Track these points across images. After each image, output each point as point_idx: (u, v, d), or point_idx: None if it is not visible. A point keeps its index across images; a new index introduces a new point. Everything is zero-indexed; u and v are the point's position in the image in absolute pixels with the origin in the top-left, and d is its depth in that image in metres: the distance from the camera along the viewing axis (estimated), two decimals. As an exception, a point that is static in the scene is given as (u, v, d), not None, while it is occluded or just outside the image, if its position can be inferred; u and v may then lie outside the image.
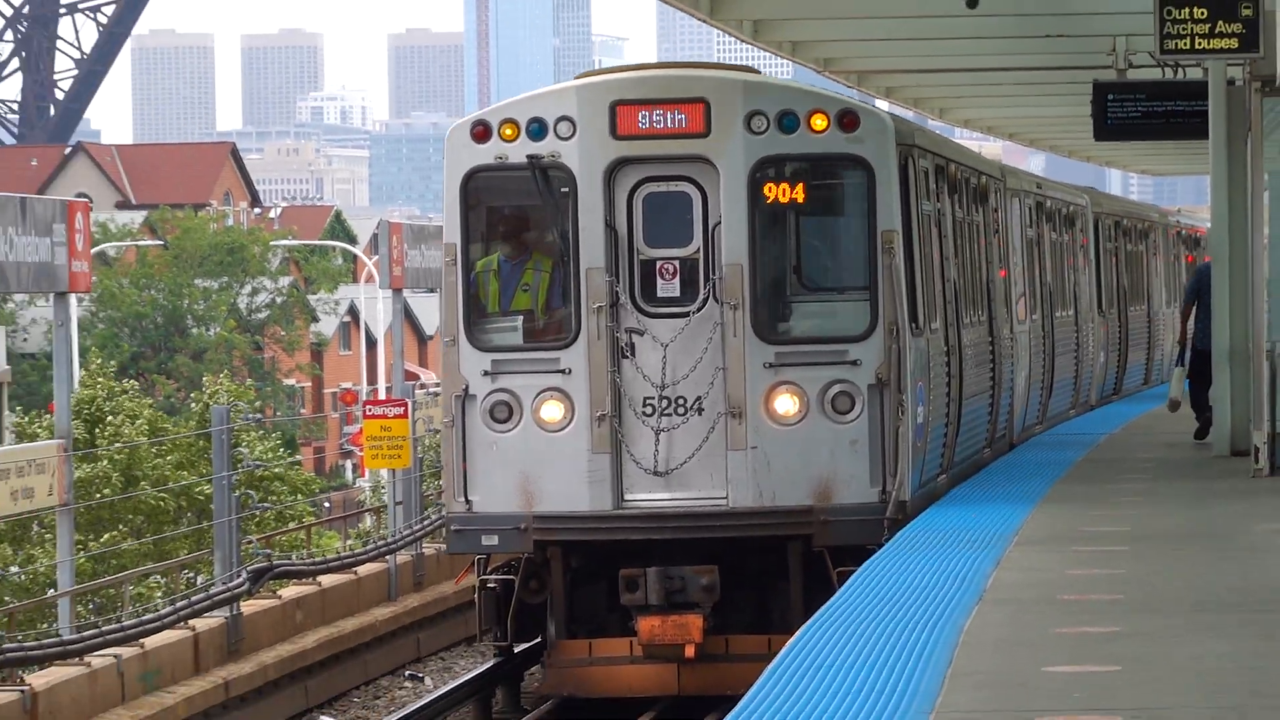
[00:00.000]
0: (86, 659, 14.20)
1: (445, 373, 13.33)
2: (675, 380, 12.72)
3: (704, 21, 20.43)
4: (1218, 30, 15.07)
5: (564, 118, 12.82)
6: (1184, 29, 15.09)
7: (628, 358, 12.79)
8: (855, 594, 9.35)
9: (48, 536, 26.11)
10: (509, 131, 12.89)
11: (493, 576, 13.28)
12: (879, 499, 12.73)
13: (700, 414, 12.78)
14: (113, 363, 54.84)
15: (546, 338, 13.25)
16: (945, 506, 13.73)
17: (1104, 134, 20.11)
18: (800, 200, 13.15)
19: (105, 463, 30.46)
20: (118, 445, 30.37)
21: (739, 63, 12.18)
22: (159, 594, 24.84)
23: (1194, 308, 17.78)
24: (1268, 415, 14.86)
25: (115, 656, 14.46)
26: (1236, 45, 15.11)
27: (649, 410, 12.78)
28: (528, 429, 12.85)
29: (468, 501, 12.88)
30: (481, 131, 12.99)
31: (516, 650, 14.17)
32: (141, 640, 14.94)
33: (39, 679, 13.71)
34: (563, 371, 12.78)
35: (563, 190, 12.92)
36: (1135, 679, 6.60)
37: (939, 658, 7.05)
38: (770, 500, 12.71)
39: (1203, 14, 15.14)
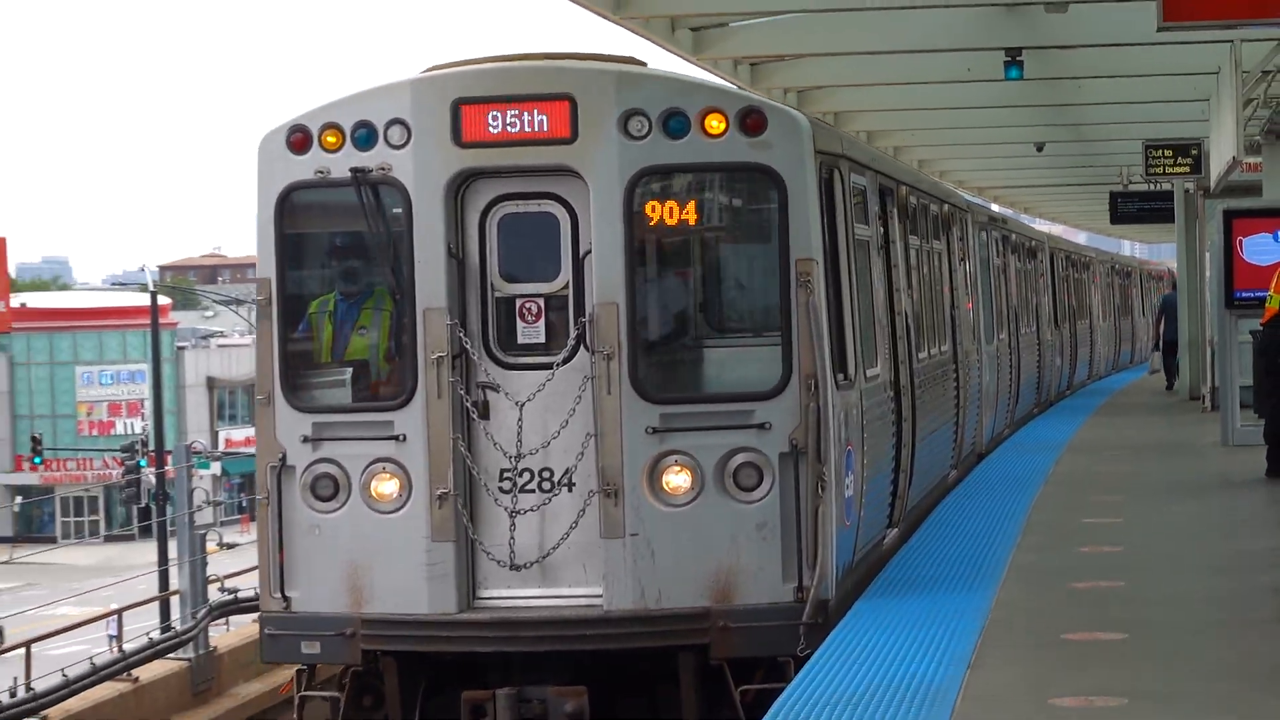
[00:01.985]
0: None
1: (259, 438, 10.59)
2: (535, 449, 10.11)
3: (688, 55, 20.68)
4: (1178, 163, 27.89)
5: (396, 121, 10.21)
6: (1159, 163, 27.98)
7: (479, 420, 10.15)
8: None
9: None
10: (332, 139, 10.32)
11: (317, 693, 10.73)
12: (794, 598, 9.96)
13: (570, 490, 10.16)
14: None
15: (380, 395, 10.68)
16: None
17: (1116, 220, 34.07)
18: (692, 222, 10.44)
19: None
20: None
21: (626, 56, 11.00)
22: None
23: (1162, 318, 31.38)
24: (1208, 378, 26.43)
25: None
26: (1188, 171, 27.96)
27: (505, 486, 10.15)
28: (356, 509, 10.25)
29: (285, 599, 10.30)
30: (300, 139, 10.40)
31: None
32: None
33: None
34: (396, 438, 10.13)
35: (394, 211, 10.36)
36: (1132, 527, 13.35)
37: None
38: (655, 601, 9.97)
39: (1169, 154, 27.97)
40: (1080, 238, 57.95)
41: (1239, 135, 19.53)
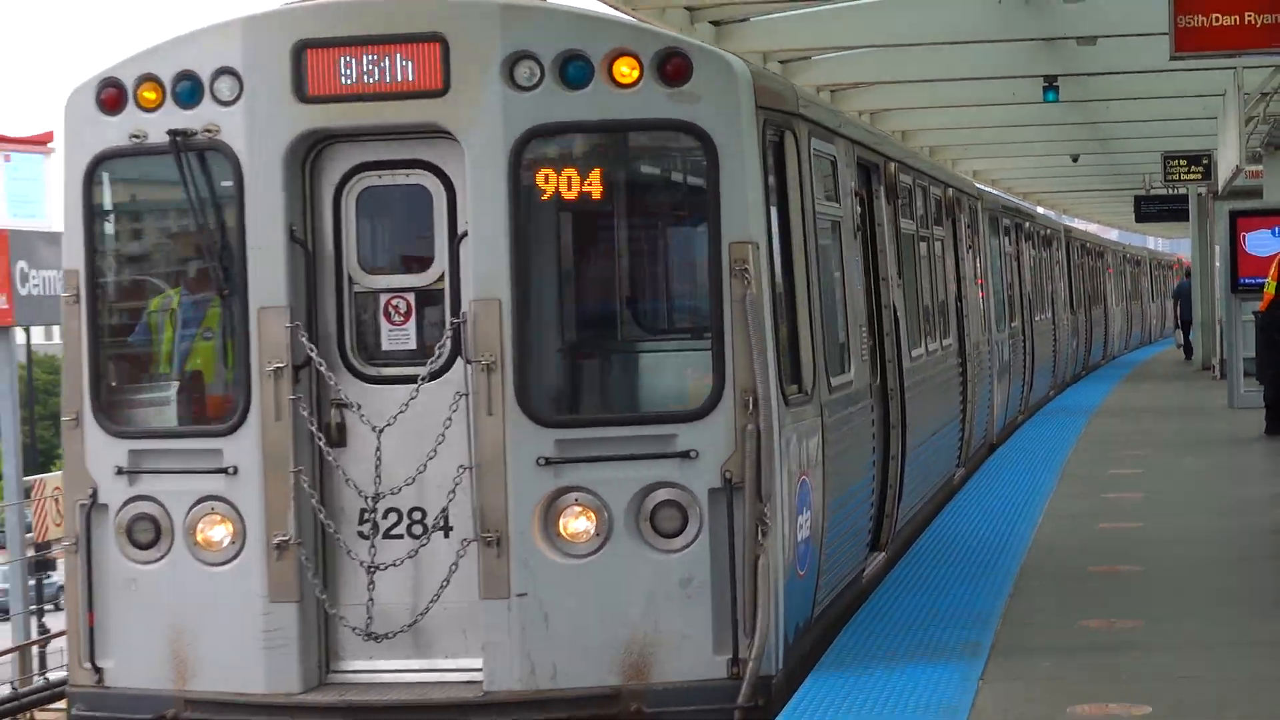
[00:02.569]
0: None
1: (66, 469, 8.35)
2: (400, 485, 7.80)
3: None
4: (1191, 171, 31.87)
5: (225, 70, 7.90)
6: (1175, 171, 31.99)
7: (331, 448, 7.88)
8: None
9: None
10: (150, 94, 8.03)
11: None
12: (728, 673, 7.64)
13: (446, 537, 7.85)
14: None
15: (208, 417, 8.39)
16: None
17: (1140, 220, 38.50)
18: (596, 196, 8.04)
19: None
20: None
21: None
22: None
23: (1179, 300, 36.55)
24: (1217, 351, 29.68)
25: None
26: (1200, 177, 32.02)
27: (363, 532, 7.87)
28: (180, 559, 7.96)
29: (96, 670, 8.03)
30: (112, 96, 8.09)
31: None
32: None
33: None
34: (225, 470, 7.86)
35: (224, 184, 8.03)
36: (1152, 475, 15.27)
37: None
38: (549, 679, 7.68)
39: (1184, 164, 31.95)
40: (1112, 234, 62.54)
41: (1242, 147, 23.09)
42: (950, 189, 16.04)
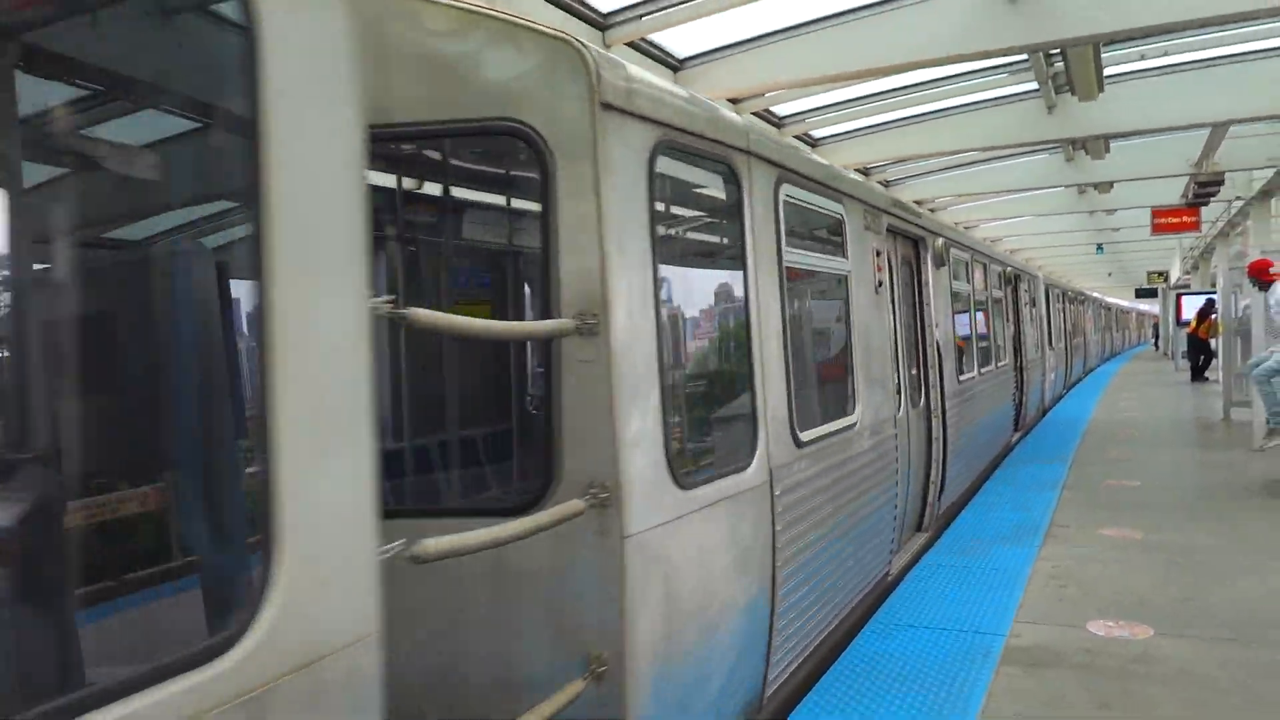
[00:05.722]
0: None
1: None
2: None
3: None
4: (1159, 278, 50.60)
5: None
6: (1154, 280, 50.60)
7: None
8: None
9: None
10: None
11: None
12: None
13: None
14: None
15: None
16: None
17: (1138, 297, 57.14)
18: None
19: None
20: None
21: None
22: None
23: (1196, 324, 33.98)
24: (1174, 355, 42.15)
25: None
26: (1164, 281, 50.38)
27: None
28: None
29: None
30: None
31: None
32: None
33: None
34: None
35: None
36: (1145, 466, 15.38)
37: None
38: None
39: (1159, 275, 50.40)
40: (1123, 301, 79.81)
41: (1181, 269, 44.72)
42: (1008, 268, 18.82)
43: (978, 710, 6.70)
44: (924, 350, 11.42)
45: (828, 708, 6.81)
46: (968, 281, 14.43)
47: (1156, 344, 63.48)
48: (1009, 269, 19.46)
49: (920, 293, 11.57)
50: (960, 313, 13.72)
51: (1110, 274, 60.34)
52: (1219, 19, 12.18)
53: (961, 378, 13.16)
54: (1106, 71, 16.32)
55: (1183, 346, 38.53)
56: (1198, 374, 33.80)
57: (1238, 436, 18.55)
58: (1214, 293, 34.26)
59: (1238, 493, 13.33)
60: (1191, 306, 40.09)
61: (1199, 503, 12.75)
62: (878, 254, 9.28)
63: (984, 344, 15.43)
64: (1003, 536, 11.34)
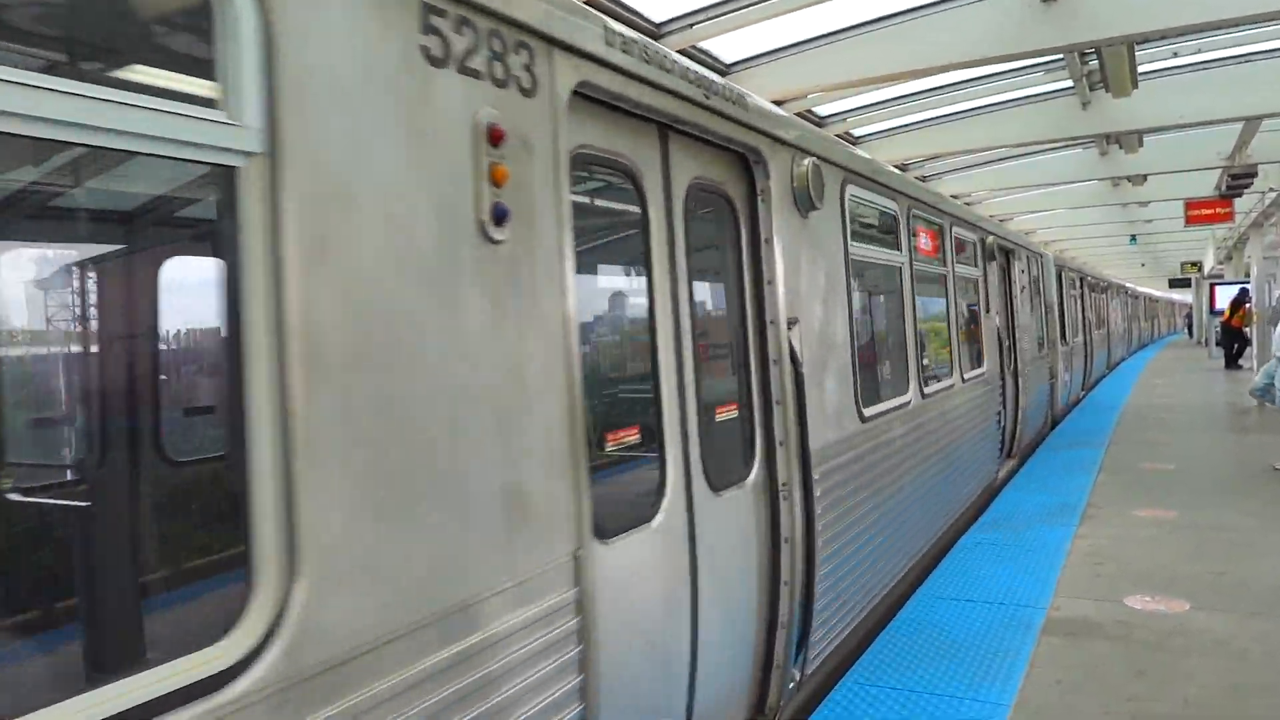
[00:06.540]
0: None
1: None
2: None
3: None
4: (1194, 268, 50.93)
5: None
6: (1188, 270, 50.87)
7: None
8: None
9: None
10: None
11: None
12: None
13: None
14: None
15: None
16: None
17: (1171, 287, 56.85)
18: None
19: None
20: None
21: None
22: None
23: (1229, 313, 35.59)
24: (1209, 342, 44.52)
25: None
26: (1198, 271, 50.83)
27: None
28: None
29: None
30: None
31: None
32: None
33: None
34: None
35: None
36: (1180, 450, 16.09)
37: None
38: None
39: (1192, 265, 50.62)
40: (1154, 291, 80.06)
41: (1214, 259, 44.01)
42: (990, 237, 14.23)
43: (1021, 675, 7.15)
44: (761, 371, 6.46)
45: (882, 668, 7.37)
46: (898, 249, 9.53)
47: (1190, 332, 64.27)
48: (991, 238, 14.05)
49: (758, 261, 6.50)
50: (883, 296, 9.41)
51: (1144, 264, 60.47)
52: (1249, 19, 12.52)
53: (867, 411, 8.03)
54: (1140, 68, 16.45)
55: (1217, 335, 39.14)
56: (1231, 361, 34.17)
57: (1271, 421, 19.02)
58: (1248, 282, 34.53)
59: (1271, 475, 13.71)
60: (1225, 296, 40.38)
61: (1232, 484, 13.10)
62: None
63: (941, 349, 11.27)
64: (1040, 517, 11.74)
